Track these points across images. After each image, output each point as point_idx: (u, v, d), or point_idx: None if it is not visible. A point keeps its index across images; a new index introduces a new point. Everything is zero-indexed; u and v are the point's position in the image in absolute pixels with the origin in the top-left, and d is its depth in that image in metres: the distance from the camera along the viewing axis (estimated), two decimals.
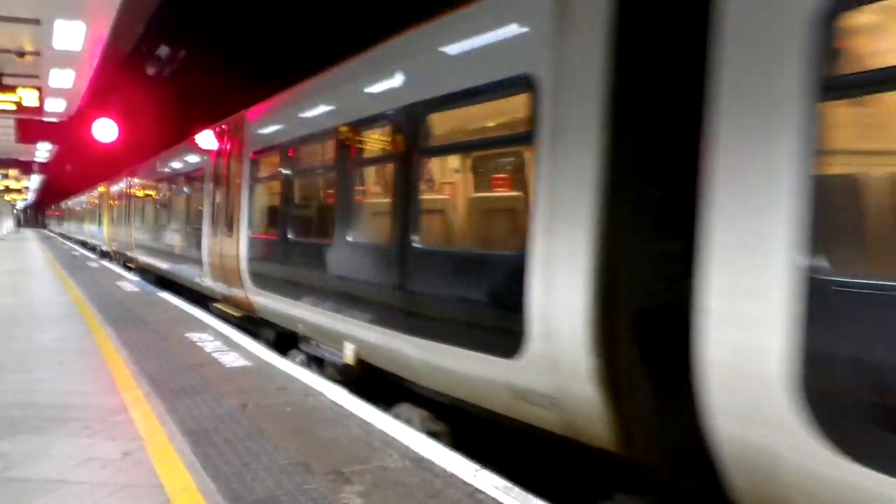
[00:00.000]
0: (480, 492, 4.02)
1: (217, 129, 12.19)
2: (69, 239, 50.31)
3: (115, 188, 27.19)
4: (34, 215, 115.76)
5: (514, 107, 4.78)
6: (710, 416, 3.38)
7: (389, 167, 6.38)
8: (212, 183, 12.38)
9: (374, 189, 7.42)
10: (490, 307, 4.87)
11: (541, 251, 4.35)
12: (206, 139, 12.75)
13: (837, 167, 3.22)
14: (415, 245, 5.70)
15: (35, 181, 55.49)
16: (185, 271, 14.33)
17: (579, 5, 4.18)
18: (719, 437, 3.37)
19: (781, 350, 3.02)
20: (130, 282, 17.00)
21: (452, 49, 5.49)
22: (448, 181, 6.88)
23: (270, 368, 7.27)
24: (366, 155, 7.00)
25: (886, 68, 2.84)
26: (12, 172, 37.21)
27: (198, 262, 12.87)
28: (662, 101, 3.97)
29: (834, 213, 3.05)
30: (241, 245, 10.27)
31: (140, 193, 20.87)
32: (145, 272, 19.42)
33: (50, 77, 14.69)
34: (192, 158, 14.22)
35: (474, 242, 6.24)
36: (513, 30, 4.80)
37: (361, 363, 6.73)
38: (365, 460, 4.53)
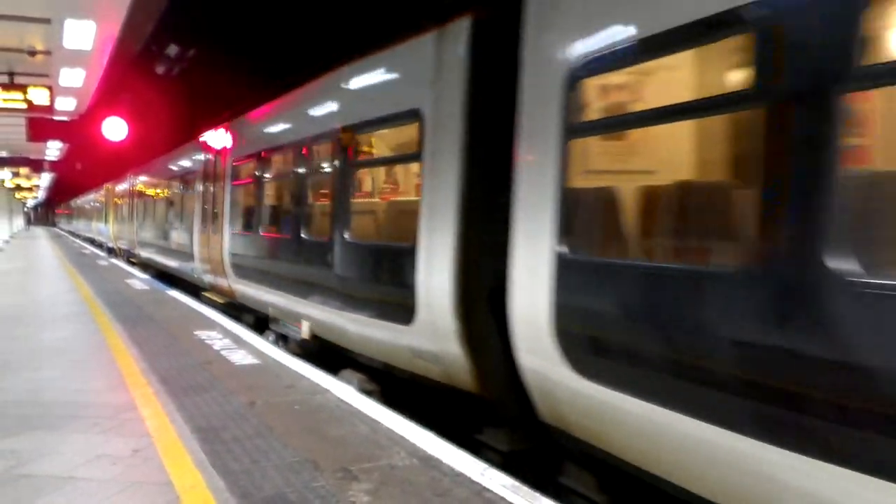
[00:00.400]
0: (488, 490, 4.02)
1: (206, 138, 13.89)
2: (77, 236, 51.71)
3: (119, 188, 29.11)
4: (44, 213, 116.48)
5: (409, 132, 6.27)
6: (519, 356, 4.78)
7: (328, 177, 8.00)
8: (202, 185, 13.97)
9: (318, 194, 8.66)
10: (394, 286, 6.28)
11: (423, 243, 5.81)
12: (198, 146, 14.50)
13: (578, 182, 4.46)
14: (347, 239, 7.25)
15: (45, 179, 55.79)
16: (180, 265, 15.93)
17: (449, 61, 5.68)
18: (523, 370, 4.79)
19: (547, 306, 4.43)
20: (140, 280, 17.08)
21: (370, 85, 7.15)
22: (367, 189, 8.77)
23: (278, 366, 7.30)
24: (310, 166, 8.61)
25: (609, 117, 4.52)
26: (23, 171, 37.39)
27: (191, 256, 14.47)
28: (495, 133, 5.26)
29: (574, 213, 4.39)
30: (224, 240, 11.86)
31: (141, 194, 22.63)
32: (147, 267, 20.74)
33: (60, 76, 14.75)
34: (186, 163, 15.84)
35: (384, 237, 7.61)
36: (409, 74, 6.40)
37: (315, 338, 8.22)
38: (372, 458, 4.55)
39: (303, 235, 8.39)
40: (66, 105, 17.94)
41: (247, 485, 4.09)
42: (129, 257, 24.86)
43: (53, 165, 39.20)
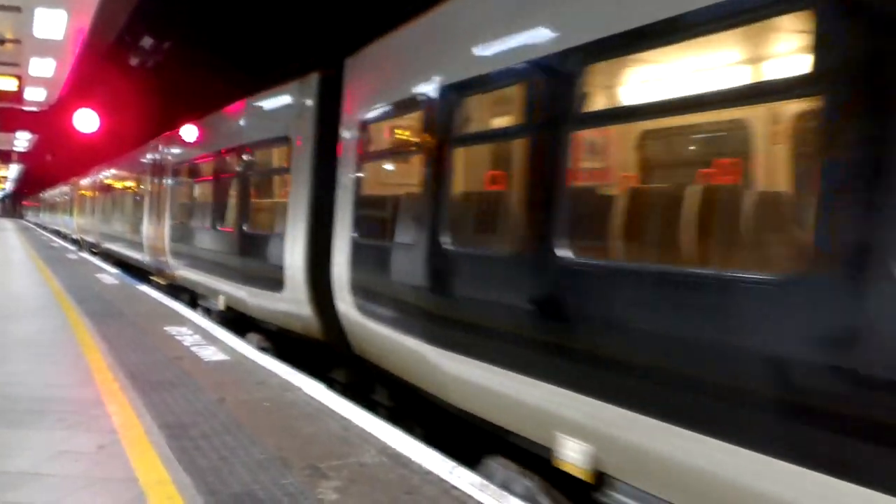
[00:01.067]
0: (456, 488, 4.04)
1: (153, 144, 16.57)
2: (45, 228, 51.35)
3: (83, 183, 31.89)
4: (11, 205, 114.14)
5: (283, 153, 9.01)
6: (337, 306, 7.06)
7: (234, 181, 10.63)
8: (150, 184, 16.59)
9: (226, 195, 10.98)
10: (271, 265, 8.59)
11: (289, 233, 8.19)
12: (145, 151, 17.44)
13: (365, 191, 6.91)
14: (244, 230, 9.76)
15: (14, 170, 54.68)
16: (133, 253, 18.30)
17: (305, 103, 8.17)
18: (340, 315, 7.04)
19: (347, 271, 6.77)
20: (110, 275, 16.84)
21: (258, 115, 9.99)
22: (258, 192, 10.89)
23: (249, 363, 7.25)
24: (222, 173, 11.17)
25: (380, 150, 7.09)
26: None
27: (140, 245, 16.89)
28: (331, 155, 7.46)
29: (361, 213, 6.81)
30: (165, 231, 14.24)
31: (102, 189, 25.16)
32: (107, 256, 22.71)
33: (30, 65, 14.51)
34: (138, 164, 18.58)
35: (266, 228, 9.70)
36: (282, 110, 9.06)
37: (229, 308, 10.26)
38: (342, 456, 4.54)
39: (217, 227, 10.88)
40: (36, 95, 17.66)
41: (214, 481, 4.07)
42: (91, 247, 26.52)
43: (22, 156, 38.47)
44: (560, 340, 4.13)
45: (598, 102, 4.87)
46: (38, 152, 37.81)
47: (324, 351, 7.88)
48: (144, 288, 13.94)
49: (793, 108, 4.59)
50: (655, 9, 3.52)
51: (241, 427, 5.09)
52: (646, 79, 5.09)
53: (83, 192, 32.16)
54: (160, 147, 16.20)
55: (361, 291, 6.53)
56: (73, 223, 36.54)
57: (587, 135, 5.24)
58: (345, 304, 6.87)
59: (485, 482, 4.16)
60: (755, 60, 4.74)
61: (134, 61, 19.40)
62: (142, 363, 7.07)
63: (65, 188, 41.85)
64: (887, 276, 2.50)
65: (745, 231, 3.95)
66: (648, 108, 4.23)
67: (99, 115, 18.13)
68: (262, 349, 8.48)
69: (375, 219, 6.74)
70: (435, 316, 5.28)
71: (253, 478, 4.14)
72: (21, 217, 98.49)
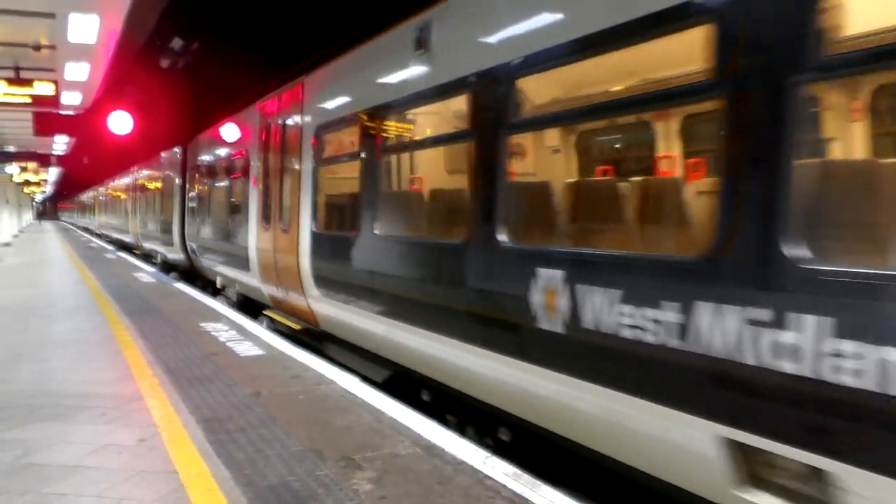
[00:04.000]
0: (490, 478, 4.05)
1: (146, 161, 22.73)
2: (76, 226, 65.28)
3: (101, 189, 44.86)
4: (52, 207, 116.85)
5: (245, 161, 11.59)
6: (306, 293, 8.47)
7: (225, 185, 13.35)
8: (138, 191, 24.24)
9: (226, 195, 13.34)
10: (241, 250, 11.25)
11: (252, 224, 10.72)
12: (138, 167, 24.63)
13: (322, 192, 8.53)
14: (231, 222, 12.43)
15: (53, 174, 55.98)
16: (128, 239, 27.38)
17: (260, 127, 10.82)
18: (309, 302, 8.36)
19: (309, 261, 8.20)
20: (147, 273, 17.16)
21: (230, 136, 12.63)
22: (231, 193, 12.97)
23: (284, 357, 7.34)
24: (217, 178, 13.96)
25: (328, 157, 8.46)
26: (31, 165, 37.51)
27: (126, 231, 26.70)
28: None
29: (317, 212, 8.30)
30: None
31: (112, 194, 36.63)
32: (120, 246, 30.46)
33: (65, 70, 14.78)
34: (128, 178, 27.73)
35: (237, 220, 11.89)
36: (245, 128, 11.77)
37: (224, 287, 13.33)
38: (376, 447, 4.58)
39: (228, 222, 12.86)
40: (71, 99, 17.98)
41: (251, 474, 4.13)
42: (108, 240, 36.87)
43: (60, 160, 39.33)
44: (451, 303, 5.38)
45: (426, 130, 7.25)
46: (75, 155, 38.62)
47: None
48: (180, 286, 14.18)
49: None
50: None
51: (276, 420, 5.16)
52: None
53: (101, 196, 43.63)
54: (152, 163, 19.11)
55: (321, 278, 8.30)
56: (95, 221, 48.19)
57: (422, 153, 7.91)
58: (309, 286, 8.59)
59: (518, 471, 4.16)
60: None
61: (165, 63, 19.70)
62: (179, 359, 7.20)
63: (88, 195, 47.35)
64: None
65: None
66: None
67: (133, 117, 18.44)
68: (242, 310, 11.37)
69: (326, 214, 8.47)
70: None
71: (289, 470, 4.20)
72: (58, 218, 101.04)
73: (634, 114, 6.04)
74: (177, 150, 17.95)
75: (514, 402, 4.80)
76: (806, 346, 2.78)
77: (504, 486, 3.93)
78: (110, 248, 29.76)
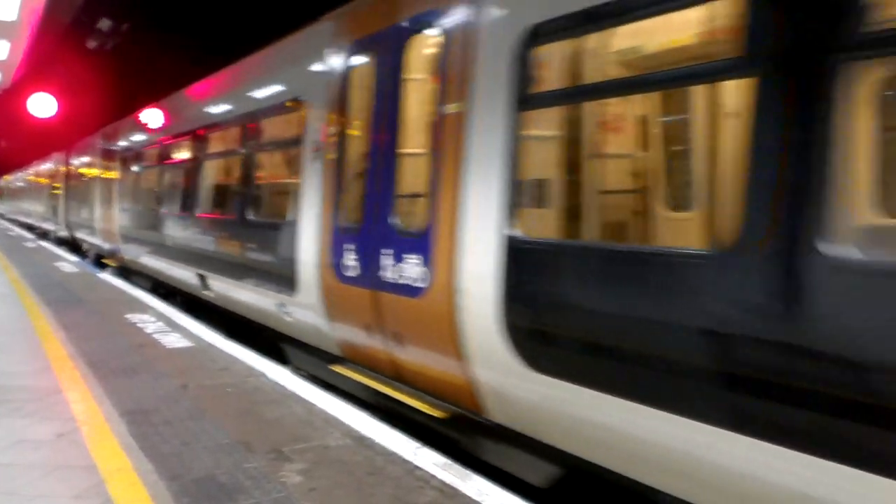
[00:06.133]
0: (420, 469, 4.07)
1: (63, 153, 23.97)
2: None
3: (11, 178, 50.04)
4: None
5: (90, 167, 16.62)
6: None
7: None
8: (61, 181, 24.39)
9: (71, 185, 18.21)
10: (89, 221, 16.68)
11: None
12: (57, 158, 25.66)
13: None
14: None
15: None
16: (45, 223, 28.10)
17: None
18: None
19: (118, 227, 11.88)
20: (70, 262, 16.50)
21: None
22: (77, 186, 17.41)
23: (213, 349, 7.19)
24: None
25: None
26: None
27: (50, 219, 26.55)
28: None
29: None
30: (64, 209, 21.97)
31: (26, 182, 39.04)
32: (29, 228, 33.52)
33: None
34: (47, 167, 28.62)
35: (89, 203, 16.04)
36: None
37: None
38: (306, 439, 4.54)
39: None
40: None
41: (176, 467, 4.04)
42: (17, 223, 40.29)
43: None
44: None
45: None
46: None
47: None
48: (106, 276, 13.69)
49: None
50: None
51: (204, 413, 5.05)
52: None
53: (11, 185, 46.48)
54: (65, 157, 24.00)
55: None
56: (3, 207, 53.22)
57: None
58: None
59: (448, 461, 4.20)
60: None
61: (92, 44, 18.93)
62: (102, 351, 6.96)
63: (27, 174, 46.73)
64: None
65: None
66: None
67: (57, 99, 17.65)
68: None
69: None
70: None
71: (216, 463, 4.12)
72: None
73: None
74: (60, 155, 24.72)
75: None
76: None
77: (434, 477, 3.96)
78: (30, 235, 28.50)
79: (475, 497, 3.72)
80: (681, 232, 4.67)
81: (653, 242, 4.80)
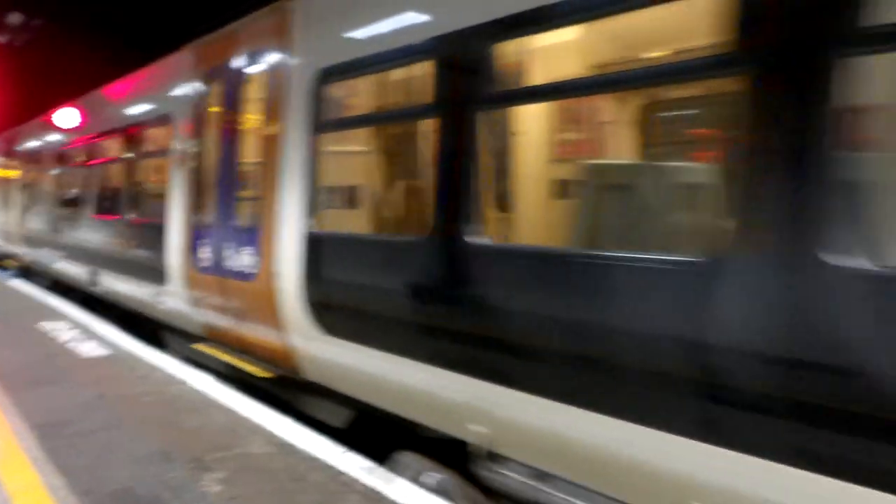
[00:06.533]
0: (344, 474, 4.06)
1: None
2: None
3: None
4: None
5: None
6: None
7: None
8: None
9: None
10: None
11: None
12: None
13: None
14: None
15: None
16: None
17: None
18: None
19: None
20: None
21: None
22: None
23: (131, 357, 6.96)
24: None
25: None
26: None
27: None
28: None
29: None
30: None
31: None
32: None
33: None
34: None
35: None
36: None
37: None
38: (228, 447, 4.46)
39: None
40: None
41: (89, 481, 3.90)
42: None
43: None
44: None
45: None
46: None
47: None
48: (17, 283, 13.06)
49: None
50: None
51: (121, 423, 4.90)
52: None
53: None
54: None
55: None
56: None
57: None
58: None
59: (372, 465, 4.21)
60: None
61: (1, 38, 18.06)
62: (12, 361, 6.64)
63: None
64: None
65: None
66: None
67: None
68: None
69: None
70: None
71: (132, 474, 4.00)
72: None
73: None
74: None
75: None
76: None
77: (356, 481, 3.96)
78: None
79: (399, 500, 3.74)
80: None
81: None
